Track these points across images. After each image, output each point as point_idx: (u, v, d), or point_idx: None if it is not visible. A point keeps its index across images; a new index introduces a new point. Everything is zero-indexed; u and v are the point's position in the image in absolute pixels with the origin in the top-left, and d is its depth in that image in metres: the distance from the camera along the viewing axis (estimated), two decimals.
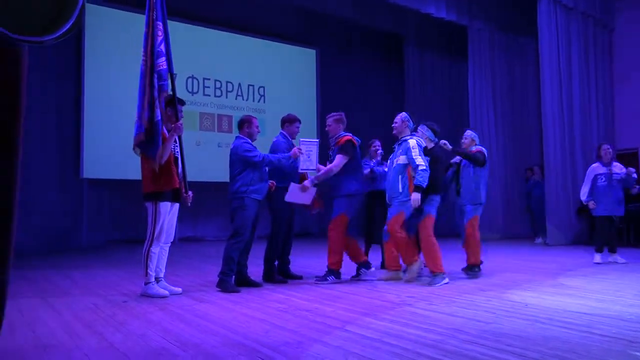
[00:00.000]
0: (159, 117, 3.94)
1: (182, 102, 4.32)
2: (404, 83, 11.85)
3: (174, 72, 4.21)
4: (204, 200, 9.55)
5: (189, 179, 4.33)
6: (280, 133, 5.08)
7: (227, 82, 10.57)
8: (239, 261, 4.51)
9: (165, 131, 4.07)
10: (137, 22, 9.50)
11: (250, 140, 4.60)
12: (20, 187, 1.44)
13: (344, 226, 4.72)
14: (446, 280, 4.58)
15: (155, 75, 3.99)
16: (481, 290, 4.17)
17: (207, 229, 10.35)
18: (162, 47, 4.05)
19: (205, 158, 9.59)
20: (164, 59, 4.05)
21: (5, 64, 1.33)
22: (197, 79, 10.16)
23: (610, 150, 6.28)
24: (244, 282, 4.54)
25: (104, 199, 9.21)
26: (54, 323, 3.16)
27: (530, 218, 10.05)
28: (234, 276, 4.44)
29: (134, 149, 4.06)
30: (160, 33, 4.05)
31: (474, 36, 10.50)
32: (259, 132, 4.73)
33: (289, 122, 5.09)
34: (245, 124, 4.66)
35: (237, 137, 4.65)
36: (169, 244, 4.24)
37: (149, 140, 3.92)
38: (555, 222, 8.88)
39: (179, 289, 4.23)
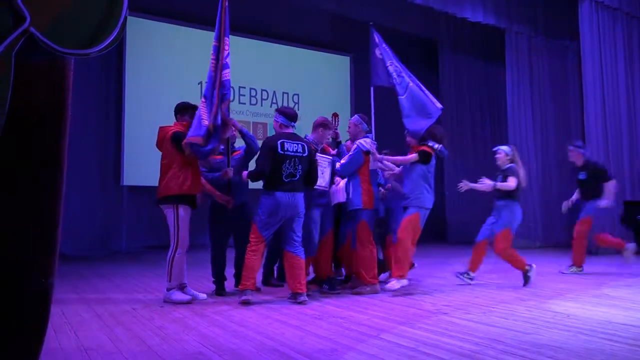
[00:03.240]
0: (220, 123, 4.07)
1: (195, 107, 4.33)
2: (439, 88, 11.72)
3: None
4: None
5: None
6: None
7: (262, 90, 10.70)
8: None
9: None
10: (176, 33, 9.77)
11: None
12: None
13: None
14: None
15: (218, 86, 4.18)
16: (520, 300, 4.06)
17: None
18: (228, 59, 4.26)
19: None
20: (228, 70, 4.23)
21: (53, 81, 1.39)
22: (232, 88, 10.29)
23: None
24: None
25: (143, 206, 9.44)
26: (95, 326, 3.25)
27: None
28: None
29: (183, 145, 4.07)
30: (227, 47, 4.28)
31: (512, 39, 10.29)
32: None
33: None
34: None
35: None
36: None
37: (205, 143, 4.03)
38: (598, 229, 8.56)
39: (204, 295, 4.28)
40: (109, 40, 1.36)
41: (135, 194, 9.32)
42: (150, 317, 3.49)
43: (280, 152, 4.02)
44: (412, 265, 4.93)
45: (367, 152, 4.52)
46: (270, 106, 10.74)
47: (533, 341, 2.74)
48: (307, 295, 4.10)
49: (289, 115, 4.26)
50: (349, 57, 11.71)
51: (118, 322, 3.37)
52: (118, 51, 9.06)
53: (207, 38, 9.88)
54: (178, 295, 4.07)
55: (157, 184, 4.21)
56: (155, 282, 5.19)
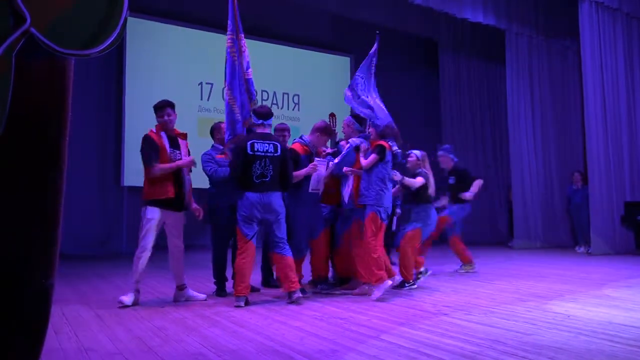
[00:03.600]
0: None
1: (172, 105, 4.25)
2: (439, 89, 11.73)
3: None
4: None
5: None
6: (213, 146, 4.78)
7: (262, 90, 10.69)
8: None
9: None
10: (176, 34, 9.77)
11: (220, 148, 4.59)
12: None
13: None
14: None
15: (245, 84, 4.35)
16: (521, 301, 4.06)
17: None
18: (249, 58, 4.36)
19: None
20: (250, 70, 4.34)
21: (54, 82, 1.38)
22: None
23: None
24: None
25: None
26: (96, 327, 3.25)
27: (571, 226, 9.75)
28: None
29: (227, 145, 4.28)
30: (245, 45, 4.36)
31: (512, 40, 10.30)
32: None
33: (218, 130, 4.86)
34: (215, 131, 4.74)
35: (212, 146, 4.73)
36: (180, 251, 4.20)
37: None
38: (599, 230, 8.57)
39: (204, 295, 4.28)
40: (110, 41, 1.36)
41: (136, 194, 9.28)
42: (150, 318, 3.49)
43: (250, 152, 4.02)
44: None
45: (357, 148, 4.57)
46: (271, 107, 10.74)
47: (534, 342, 2.74)
48: (303, 292, 4.15)
49: (259, 114, 4.22)
50: (349, 58, 11.71)
51: (118, 322, 3.36)
52: (118, 52, 9.06)
53: (207, 39, 9.96)
54: (124, 297, 3.96)
55: None
56: (155, 283, 5.18)
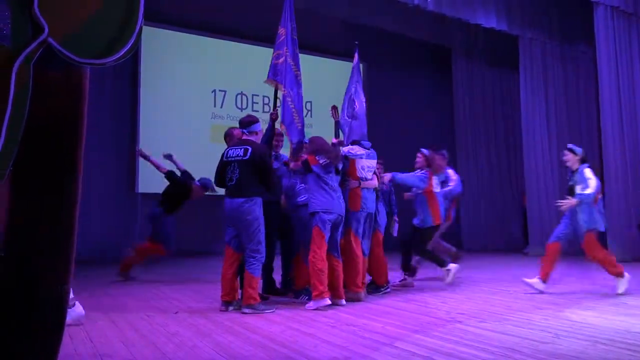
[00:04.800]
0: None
1: None
2: (452, 95, 11.68)
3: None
4: None
5: None
6: None
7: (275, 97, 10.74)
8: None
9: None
10: (190, 41, 9.88)
11: None
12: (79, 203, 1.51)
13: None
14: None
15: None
16: (536, 308, 4.01)
17: None
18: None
19: None
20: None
21: (70, 90, 1.41)
22: (246, 95, 10.38)
23: None
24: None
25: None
26: (111, 332, 3.28)
27: None
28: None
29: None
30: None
31: (526, 46, 10.23)
32: None
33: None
34: (227, 137, 4.79)
35: None
36: None
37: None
38: (615, 237, 8.43)
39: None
40: (125, 50, 1.37)
41: (150, 201, 9.36)
42: (164, 324, 3.51)
43: (225, 159, 4.20)
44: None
45: (346, 157, 4.63)
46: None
47: (550, 350, 2.70)
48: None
49: (240, 123, 4.41)
50: (362, 65, 11.72)
51: (133, 328, 3.39)
52: (133, 60, 9.17)
53: (220, 46, 10.05)
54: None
55: None
56: (169, 289, 5.22)
